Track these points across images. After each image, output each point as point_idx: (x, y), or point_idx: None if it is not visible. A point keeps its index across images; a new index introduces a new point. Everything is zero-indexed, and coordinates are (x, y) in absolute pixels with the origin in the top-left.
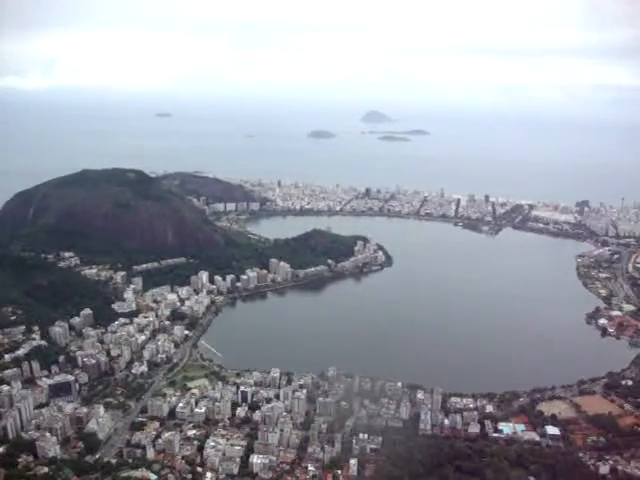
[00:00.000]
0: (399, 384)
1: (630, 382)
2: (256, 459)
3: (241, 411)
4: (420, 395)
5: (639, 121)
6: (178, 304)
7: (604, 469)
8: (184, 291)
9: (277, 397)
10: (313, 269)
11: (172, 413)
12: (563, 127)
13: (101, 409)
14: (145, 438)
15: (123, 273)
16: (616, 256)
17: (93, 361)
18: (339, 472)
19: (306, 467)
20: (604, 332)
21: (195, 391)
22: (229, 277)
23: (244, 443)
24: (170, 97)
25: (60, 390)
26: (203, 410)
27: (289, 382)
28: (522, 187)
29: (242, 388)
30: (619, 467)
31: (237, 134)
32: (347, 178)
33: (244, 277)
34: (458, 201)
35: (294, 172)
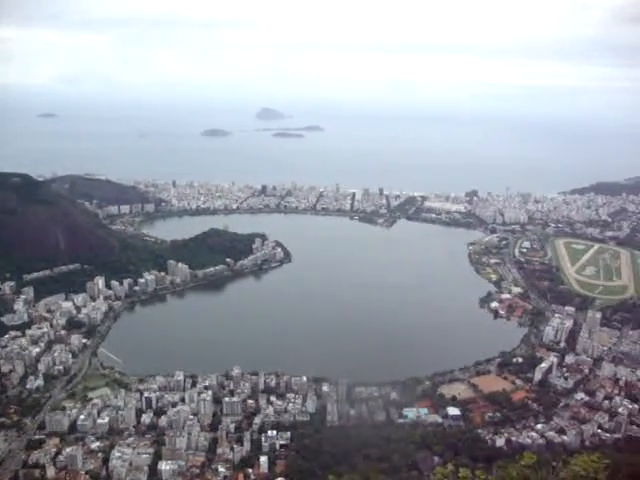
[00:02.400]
0: (304, 378)
1: (520, 359)
2: (165, 465)
3: (146, 418)
4: (325, 388)
5: (519, 115)
6: (74, 312)
7: (500, 442)
8: (80, 298)
9: (182, 400)
10: (212, 269)
11: (73, 427)
12: (449, 121)
13: None
14: (44, 456)
15: (12, 283)
16: (504, 242)
17: None
18: (250, 471)
19: (216, 468)
20: (496, 314)
21: (97, 401)
22: (126, 281)
23: (151, 450)
24: (54, 97)
25: None
26: (106, 420)
27: (194, 384)
28: (414, 179)
29: (146, 394)
30: (513, 438)
31: (129, 134)
32: (243, 176)
33: (142, 280)
34: (353, 195)
35: (189, 172)
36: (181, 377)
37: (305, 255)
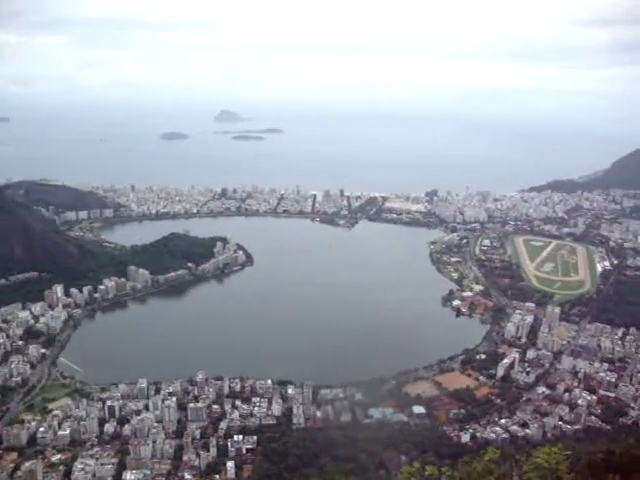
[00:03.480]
0: (269, 382)
1: (483, 356)
2: (129, 475)
3: (109, 427)
4: (291, 390)
5: (477, 115)
6: (32, 322)
7: (465, 438)
8: (38, 307)
9: (146, 408)
10: (173, 274)
11: (32, 440)
12: (411, 121)
13: None
14: (1, 473)
15: None
16: (464, 241)
17: None
18: (217, 477)
19: (183, 476)
20: (458, 312)
21: (57, 412)
22: (86, 289)
23: (115, 460)
24: (7, 100)
25: None
26: (67, 432)
27: (157, 391)
28: (375, 180)
29: (109, 403)
30: (477, 434)
31: (87, 138)
32: (203, 179)
33: (102, 287)
34: (314, 197)
35: (148, 176)
36: (144, 384)
37: (267, 258)
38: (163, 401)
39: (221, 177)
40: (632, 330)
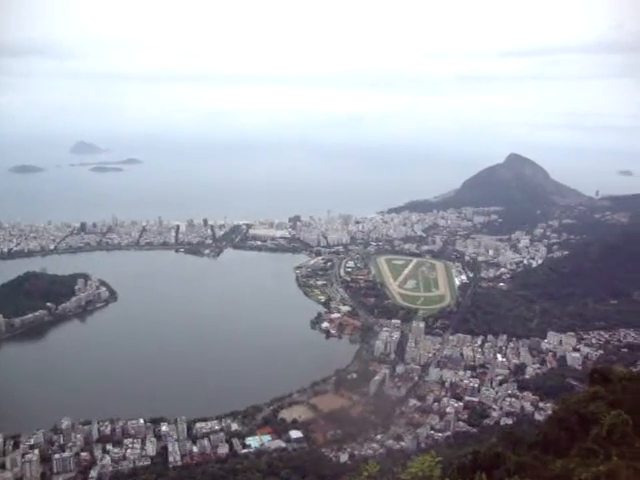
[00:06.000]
0: (141, 421)
1: (355, 375)
2: None
3: None
4: (165, 427)
5: (335, 141)
6: None
7: (344, 457)
8: None
9: (2, 467)
10: (31, 315)
11: None
12: (271, 148)
13: None
14: None
15: None
16: (329, 263)
17: None
18: None
19: None
20: (328, 334)
21: None
22: None
23: None
24: None
25: None
26: None
27: (16, 445)
28: (238, 207)
29: None
30: (355, 452)
31: None
32: (59, 214)
33: None
34: (177, 227)
35: None
36: (0, 439)
37: (132, 292)
38: (23, 455)
39: (80, 211)
40: (490, 337)
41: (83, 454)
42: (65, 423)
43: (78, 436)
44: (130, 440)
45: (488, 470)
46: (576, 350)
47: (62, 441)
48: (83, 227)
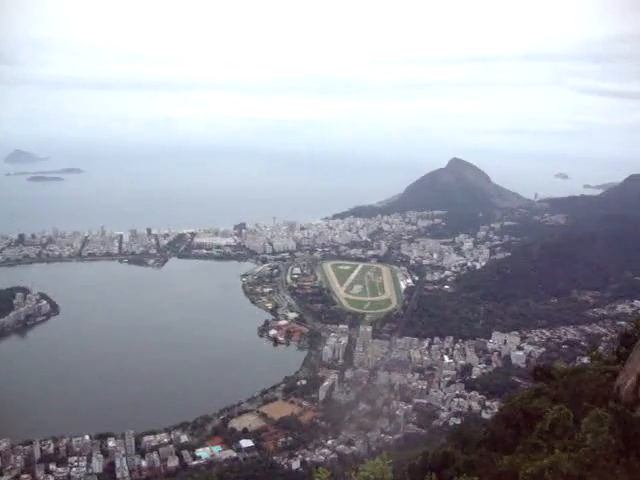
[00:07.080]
0: (87, 437)
1: (304, 381)
2: None
3: None
4: (112, 443)
5: (276, 147)
6: None
7: (296, 464)
8: None
9: None
10: None
11: None
12: (212, 156)
13: None
14: None
15: None
16: (276, 270)
17: None
18: None
19: None
20: (275, 341)
21: None
22: None
23: None
24: None
25: None
26: None
27: None
28: (181, 216)
29: None
30: (307, 459)
31: None
32: None
33: None
34: (121, 237)
35: None
36: None
37: (74, 305)
38: None
39: (17, 222)
40: (436, 339)
41: (24, 476)
42: (3, 445)
43: (18, 457)
44: (75, 458)
45: (438, 470)
46: (520, 349)
47: (0, 464)
48: (21, 239)
